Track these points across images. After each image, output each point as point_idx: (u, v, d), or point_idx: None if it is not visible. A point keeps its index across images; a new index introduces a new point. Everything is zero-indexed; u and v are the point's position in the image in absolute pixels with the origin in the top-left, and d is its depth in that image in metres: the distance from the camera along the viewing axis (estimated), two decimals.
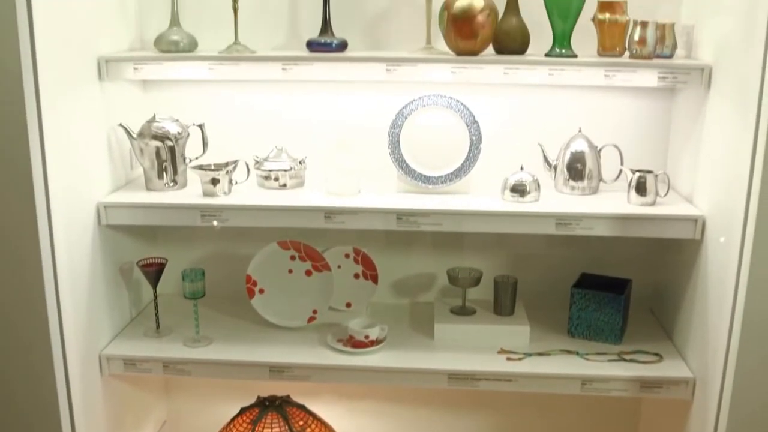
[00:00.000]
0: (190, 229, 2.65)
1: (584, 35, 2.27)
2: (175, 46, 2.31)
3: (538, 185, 2.30)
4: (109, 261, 2.38)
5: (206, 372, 2.34)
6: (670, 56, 2.22)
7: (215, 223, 2.27)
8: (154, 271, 2.41)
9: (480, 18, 2.17)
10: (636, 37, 2.18)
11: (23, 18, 1.89)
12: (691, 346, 2.25)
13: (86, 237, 2.23)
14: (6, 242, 2.03)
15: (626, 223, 2.20)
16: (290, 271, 2.49)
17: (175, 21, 2.35)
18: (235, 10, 2.31)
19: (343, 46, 2.32)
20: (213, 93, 2.56)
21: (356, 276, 2.58)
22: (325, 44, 2.30)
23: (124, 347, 2.38)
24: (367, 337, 2.33)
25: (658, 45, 2.20)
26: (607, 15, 2.22)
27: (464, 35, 2.19)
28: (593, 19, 2.25)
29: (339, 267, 2.55)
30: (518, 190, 2.28)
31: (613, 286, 2.44)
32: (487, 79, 2.20)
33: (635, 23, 2.19)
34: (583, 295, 2.40)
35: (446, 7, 2.20)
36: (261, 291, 2.49)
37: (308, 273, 2.49)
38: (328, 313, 2.51)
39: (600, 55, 2.26)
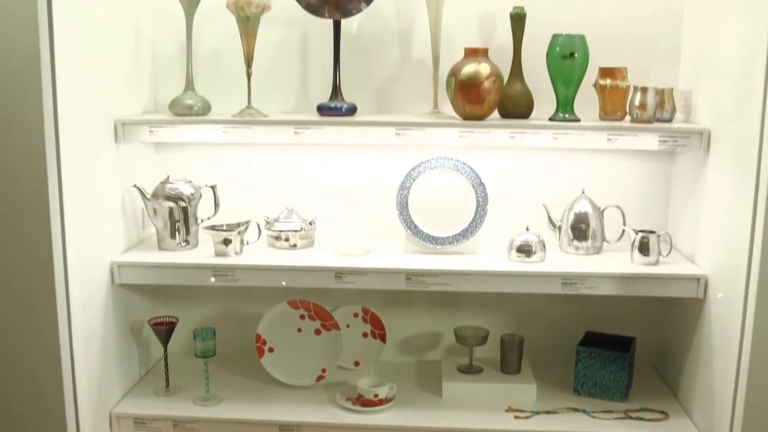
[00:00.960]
0: (199, 287, 2.68)
1: (586, 100, 2.34)
2: (189, 109, 2.37)
3: (544, 245, 2.34)
4: (120, 319, 2.40)
5: (216, 431, 2.35)
6: (670, 120, 2.29)
7: (212, 279, 2.30)
8: (165, 330, 2.44)
9: (486, 84, 2.24)
10: (636, 102, 2.25)
11: (47, 82, 1.96)
12: (697, 404, 2.27)
13: (100, 295, 2.26)
14: (24, 300, 2.06)
15: (630, 282, 2.25)
16: (299, 330, 2.51)
17: (189, 85, 2.42)
18: (248, 76, 2.38)
19: (352, 110, 2.39)
20: (225, 155, 2.62)
21: (364, 335, 2.60)
22: (336, 108, 2.37)
23: (135, 406, 2.39)
24: (376, 395, 2.34)
25: (658, 109, 2.27)
26: (608, 81, 2.29)
27: (471, 100, 2.26)
28: (594, 85, 2.32)
29: (348, 326, 2.58)
30: (524, 250, 2.33)
31: (618, 344, 2.46)
32: (494, 143, 2.27)
33: (635, 89, 2.26)
34: (589, 354, 2.43)
35: (453, 73, 2.27)
36: (270, 350, 2.51)
37: (317, 332, 2.51)
38: (336, 371, 2.52)
39: (602, 119, 2.33)
